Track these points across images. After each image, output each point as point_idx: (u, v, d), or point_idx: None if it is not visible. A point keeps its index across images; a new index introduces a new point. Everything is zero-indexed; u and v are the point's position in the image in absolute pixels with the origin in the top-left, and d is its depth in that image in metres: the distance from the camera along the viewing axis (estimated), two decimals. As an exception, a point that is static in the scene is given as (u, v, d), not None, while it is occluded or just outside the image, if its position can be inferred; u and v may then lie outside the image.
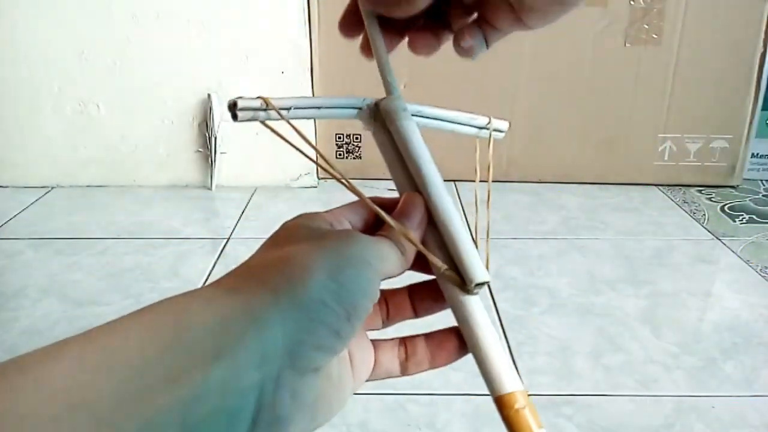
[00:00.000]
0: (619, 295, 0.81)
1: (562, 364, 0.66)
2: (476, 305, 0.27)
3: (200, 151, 1.17)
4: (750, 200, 1.14)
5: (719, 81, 1.12)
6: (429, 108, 0.34)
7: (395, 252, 0.26)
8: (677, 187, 1.19)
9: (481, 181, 0.37)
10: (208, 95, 1.13)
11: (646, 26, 1.10)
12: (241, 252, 0.92)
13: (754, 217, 1.07)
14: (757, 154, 1.22)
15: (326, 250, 0.23)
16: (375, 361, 0.28)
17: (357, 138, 1.18)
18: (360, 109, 0.32)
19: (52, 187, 1.17)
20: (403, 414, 0.60)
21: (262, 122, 0.29)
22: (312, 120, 1.15)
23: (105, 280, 0.84)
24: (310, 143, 0.30)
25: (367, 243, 0.25)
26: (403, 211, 0.27)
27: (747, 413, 0.60)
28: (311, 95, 1.14)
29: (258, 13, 1.09)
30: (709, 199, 1.14)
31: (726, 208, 1.10)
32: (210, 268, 0.87)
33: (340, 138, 1.19)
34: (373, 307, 0.26)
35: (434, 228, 0.28)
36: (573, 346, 0.70)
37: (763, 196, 1.17)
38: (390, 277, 0.26)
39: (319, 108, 0.31)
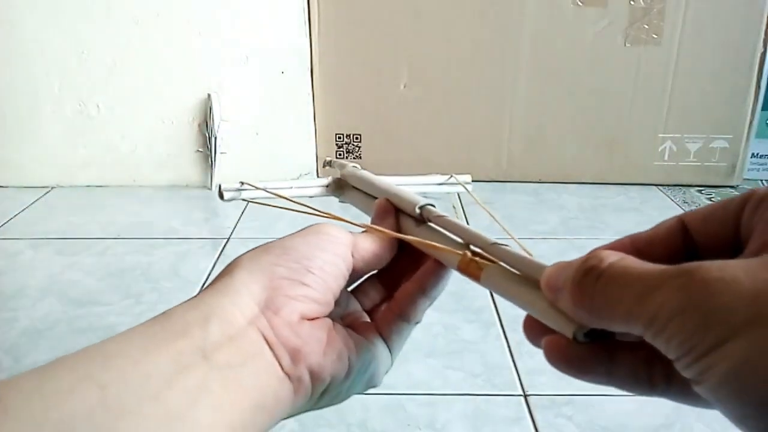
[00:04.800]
0: (619, 295, 0.81)
1: (562, 364, 0.66)
2: (432, 227, 0.34)
3: (200, 151, 1.17)
4: (750, 200, 1.14)
5: (719, 81, 1.12)
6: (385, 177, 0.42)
7: (370, 236, 0.33)
8: (677, 187, 1.19)
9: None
10: (208, 95, 1.13)
11: (646, 26, 1.09)
12: (240, 252, 0.92)
13: (754, 217, 1.07)
14: (757, 154, 1.22)
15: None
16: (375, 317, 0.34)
17: (357, 138, 1.18)
18: (327, 186, 0.42)
19: (52, 187, 1.17)
20: (403, 414, 0.60)
21: (245, 199, 0.41)
22: (312, 119, 1.16)
23: (105, 280, 0.84)
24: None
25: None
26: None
27: (747, 413, 0.60)
28: (311, 95, 1.14)
29: (258, 14, 1.09)
30: (709, 199, 1.14)
31: (726, 208, 1.10)
32: (210, 268, 0.87)
33: (340, 138, 1.19)
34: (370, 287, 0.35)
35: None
36: (573, 346, 0.69)
37: (763, 196, 1.16)
38: (375, 258, 0.33)
39: (291, 188, 0.40)
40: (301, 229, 0.32)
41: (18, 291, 0.81)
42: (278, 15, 1.09)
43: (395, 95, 1.15)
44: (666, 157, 1.18)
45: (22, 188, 1.17)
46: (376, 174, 0.40)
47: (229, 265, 0.29)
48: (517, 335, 0.72)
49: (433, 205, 0.34)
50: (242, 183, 0.40)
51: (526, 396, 0.62)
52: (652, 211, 1.08)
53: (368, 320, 0.34)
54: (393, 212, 0.36)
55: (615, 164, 1.18)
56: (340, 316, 0.33)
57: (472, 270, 0.29)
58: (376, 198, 0.37)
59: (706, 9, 1.08)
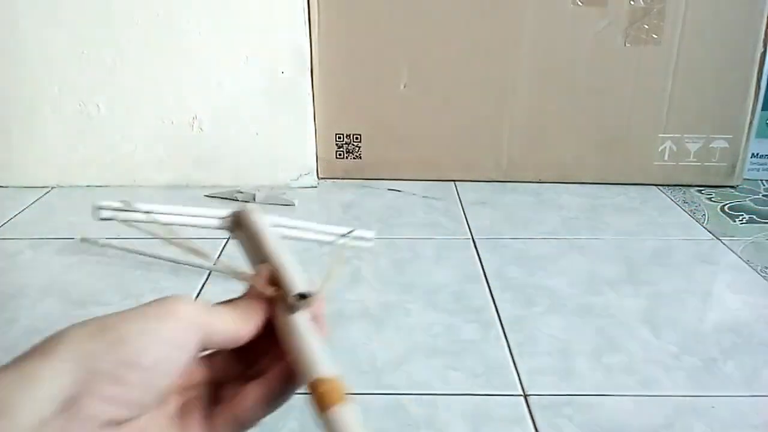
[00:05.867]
0: (619, 295, 0.81)
1: (562, 365, 0.66)
2: (299, 320, 0.31)
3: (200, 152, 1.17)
4: (750, 200, 1.14)
5: (719, 81, 1.12)
6: (289, 220, 0.39)
7: (230, 315, 0.30)
8: (677, 187, 1.19)
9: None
10: (208, 95, 1.13)
11: (646, 26, 1.10)
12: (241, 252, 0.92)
13: (754, 217, 1.07)
14: (757, 154, 1.22)
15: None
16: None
17: (357, 138, 1.18)
18: (224, 218, 0.37)
19: (52, 187, 1.17)
20: (403, 414, 0.60)
21: (123, 221, 0.35)
22: (312, 119, 1.15)
23: (105, 280, 0.84)
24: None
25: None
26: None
27: (747, 413, 0.60)
28: (311, 95, 1.14)
29: (258, 14, 1.09)
30: (709, 199, 1.14)
31: (726, 208, 1.10)
32: (210, 268, 0.87)
33: (339, 138, 1.19)
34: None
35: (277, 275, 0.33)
36: (573, 347, 0.70)
37: (763, 196, 1.17)
38: (231, 342, 0.30)
39: (181, 215, 0.36)
40: (151, 303, 0.28)
41: (18, 291, 0.81)
42: (278, 15, 1.09)
43: (395, 95, 1.15)
44: (666, 157, 1.18)
45: (22, 188, 1.17)
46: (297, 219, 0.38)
47: (53, 337, 0.26)
48: (517, 335, 0.72)
49: (310, 295, 0.31)
50: (122, 202, 0.35)
51: (526, 396, 0.62)
52: (652, 211, 1.08)
53: (205, 402, 0.32)
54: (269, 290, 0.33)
55: (615, 164, 1.18)
56: (177, 391, 0.31)
57: (325, 401, 0.27)
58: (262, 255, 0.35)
59: (706, 9, 1.08)
